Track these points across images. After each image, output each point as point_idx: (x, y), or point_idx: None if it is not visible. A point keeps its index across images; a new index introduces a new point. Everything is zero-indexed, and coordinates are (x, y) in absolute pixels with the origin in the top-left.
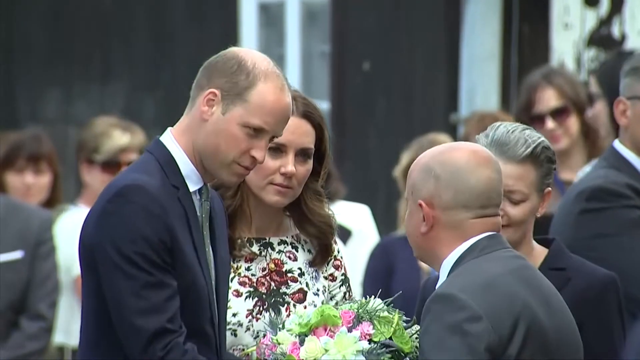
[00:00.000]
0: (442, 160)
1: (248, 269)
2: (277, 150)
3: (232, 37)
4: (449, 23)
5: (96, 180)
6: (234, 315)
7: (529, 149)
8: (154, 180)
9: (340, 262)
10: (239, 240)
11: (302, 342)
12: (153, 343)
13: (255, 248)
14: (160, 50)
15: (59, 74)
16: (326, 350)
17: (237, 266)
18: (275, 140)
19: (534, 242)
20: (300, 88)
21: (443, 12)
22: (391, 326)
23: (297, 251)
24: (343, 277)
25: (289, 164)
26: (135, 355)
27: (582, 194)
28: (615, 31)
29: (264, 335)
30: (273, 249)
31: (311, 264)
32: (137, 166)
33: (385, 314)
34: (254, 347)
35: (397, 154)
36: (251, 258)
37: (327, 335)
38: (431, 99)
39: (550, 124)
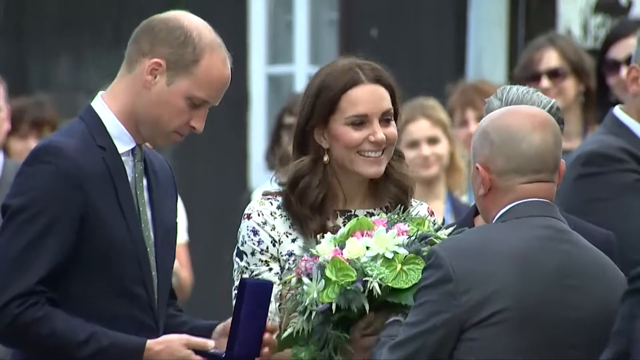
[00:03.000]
0: (497, 125)
1: None
2: (360, 122)
3: (240, 4)
4: None
5: None
6: (281, 283)
7: (545, 110)
8: (71, 141)
9: None
10: (328, 220)
11: (342, 249)
12: (13, 302)
13: (339, 221)
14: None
15: (70, 41)
16: (368, 248)
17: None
18: (356, 113)
19: None
20: (308, 55)
21: None
22: (423, 225)
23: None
24: None
25: (376, 132)
26: None
27: (579, 159)
28: None
29: (300, 258)
30: None
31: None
32: (62, 130)
33: (415, 216)
34: (292, 276)
35: None
36: (335, 231)
37: (365, 237)
38: (438, 65)
39: (545, 83)
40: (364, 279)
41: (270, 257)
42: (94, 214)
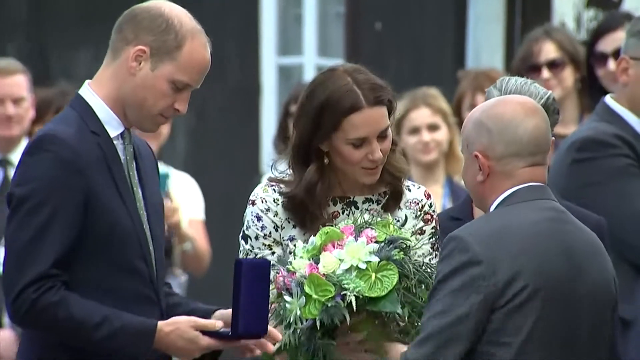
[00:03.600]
0: (492, 114)
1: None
2: (360, 143)
3: None
4: None
5: None
6: None
7: (542, 100)
8: (69, 129)
9: (431, 215)
10: (325, 200)
11: (317, 263)
12: (30, 287)
13: (338, 207)
14: (184, 7)
15: (90, 33)
16: (341, 261)
17: (324, 225)
18: (356, 136)
19: None
20: (316, 47)
21: None
22: (388, 227)
23: (383, 209)
24: (433, 231)
25: (374, 151)
26: (9, 300)
27: (574, 145)
28: None
29: (277, 272)
30: (357, 207)
31: (384, 208)
32: (56, 119)
33: (379, 219)
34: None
35: None
36: (334, 216)
37: (336, 249)
38: (439, 57)
39: (545, 73)
40: (342, 293)
41: (273, 242)
42: (95, 197)
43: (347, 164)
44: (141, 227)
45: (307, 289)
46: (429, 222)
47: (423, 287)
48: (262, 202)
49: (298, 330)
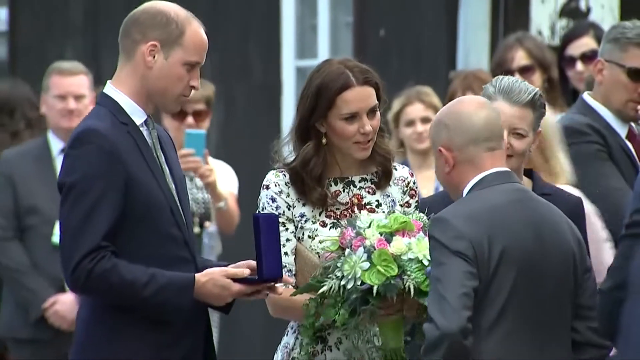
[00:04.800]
0: (448, 112)
1: (333, 204)
2: (352, 117)
3: (274, 10)
4: None
5: (166, 127)
6: (321, 242)
7: (530, 96)
8: (104, 123)
9: (415, 191)
10: (326, 181)
11: (387, 241)
12: (85, 259)
13: (339, 186)
14: (216, 17)
15: None
16: (409, 249)
17: (323, 198)
18: (348, 111)
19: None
20: (329, 51)
21: None
22: None
23: (376, 187)
24: (416, 204)
25: (365, 125)
26: (68, 272)
27: None
28: (582, 5)
29: (344, 230)
30: (355, 185)
31: (377, 185)
32: (90, 115)
33: None
34: (334, 238)
35: None
36: (336, 195)
37: (406, 237)
38: (434, 59)
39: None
40: (403, 277)
41: (287, 219)
42: (132, 179)
43: (342, 139)
44: (172, 198)
45: (374, 258)
46: (414, 197)
47: None
48: (275, 185)
49: (349, 287)
